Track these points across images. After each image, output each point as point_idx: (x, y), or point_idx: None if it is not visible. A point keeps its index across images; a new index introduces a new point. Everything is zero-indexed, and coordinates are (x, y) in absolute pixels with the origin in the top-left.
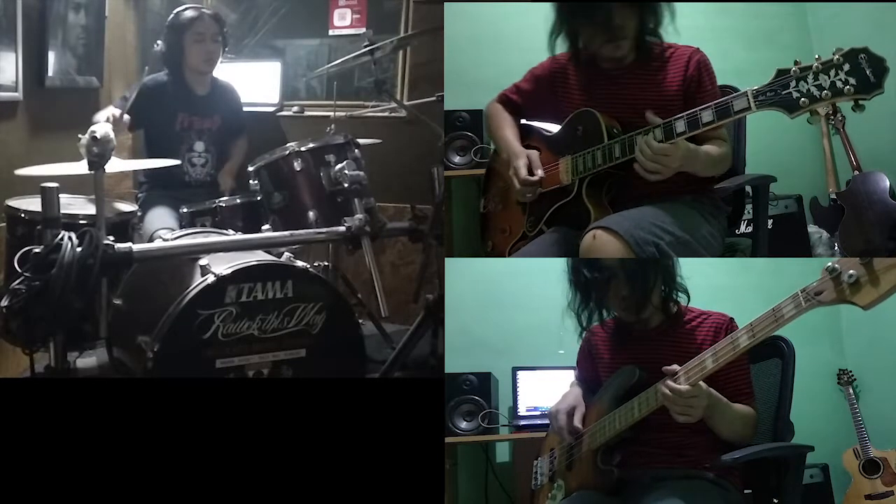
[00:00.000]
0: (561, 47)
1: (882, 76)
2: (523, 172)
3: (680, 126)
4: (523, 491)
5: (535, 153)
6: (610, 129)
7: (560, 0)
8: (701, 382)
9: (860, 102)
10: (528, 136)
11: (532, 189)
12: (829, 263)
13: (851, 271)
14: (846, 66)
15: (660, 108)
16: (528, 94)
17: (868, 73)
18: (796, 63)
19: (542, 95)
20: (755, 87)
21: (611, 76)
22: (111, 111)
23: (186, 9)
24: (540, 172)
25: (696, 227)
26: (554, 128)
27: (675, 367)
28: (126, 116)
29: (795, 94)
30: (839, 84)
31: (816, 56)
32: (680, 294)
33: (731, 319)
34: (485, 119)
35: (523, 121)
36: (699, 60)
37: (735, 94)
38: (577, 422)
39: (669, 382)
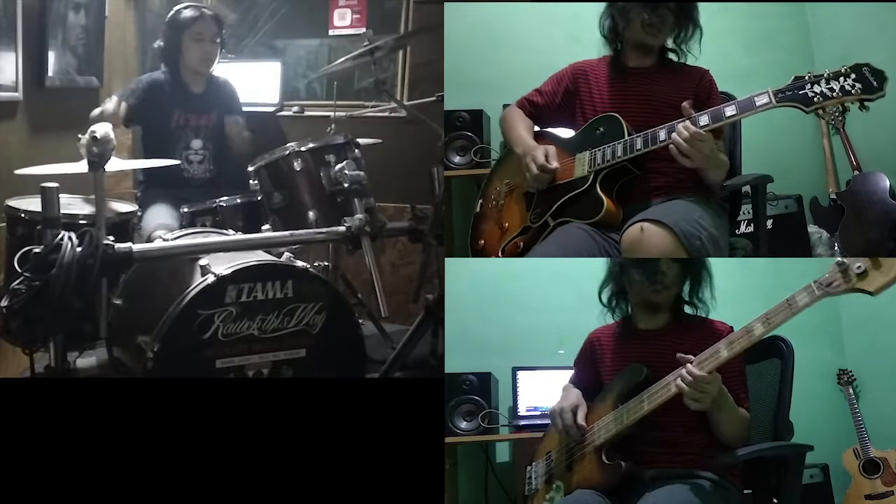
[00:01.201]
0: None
1: (883, 83)
2: (541, 159)
3: (703, 120)
4: (523, 491)
5: (552, 147)
6: (630, 132)
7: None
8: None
9: (865, 103)
10: (541, 139)
11: (545, 178)
12: (838, 259)
13: (859, 263)
14: (853, 75)
15: (675, 112)
16: (549, 95)
17: (871, 79)
18: (809, 72)
19: (563, 98)
20: (775, 88)
21: (634, 75)
22: (108, 105)
23: (187, 7)
24: (555, 163)
25: (717, 224)
26: (567, 133)
27: (689, 356)
28: (123, 105)
29: (811, 94)
30: (848, 87)
31: (826, 69)
32: (697, 305)
33: (732, 328)
34: (500, 123)
35: (536, 128)
36: (710, 79)
37: (756, 92)
38: (580, 419)
39: (690, 367)
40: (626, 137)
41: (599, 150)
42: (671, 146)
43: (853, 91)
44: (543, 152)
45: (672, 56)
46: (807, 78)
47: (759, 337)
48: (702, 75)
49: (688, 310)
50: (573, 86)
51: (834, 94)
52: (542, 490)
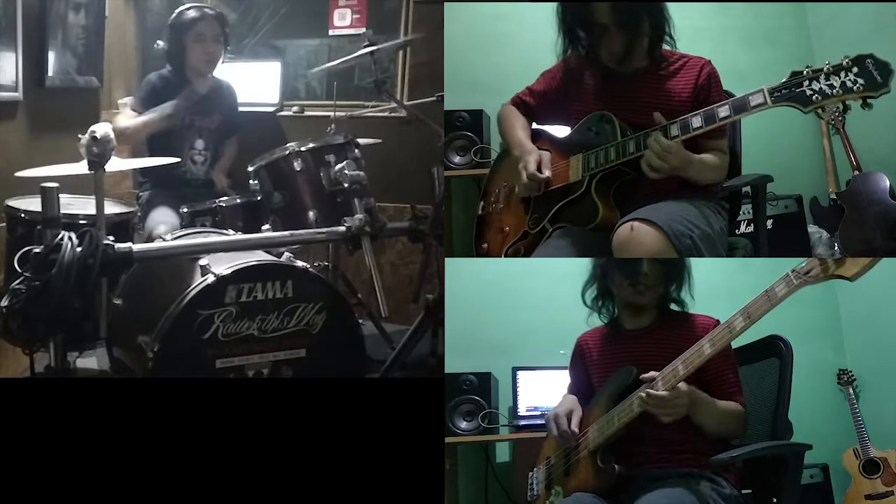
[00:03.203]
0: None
1: (888, 77)
2: (532, 167)
3: (696, 122)
4: (523, 490)
5: (546, 153)
6: (624, 131)
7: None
8: (681, 385)
9: (868, 101)
10: (538, 139)
11: (537, 185)
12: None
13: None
14: (854, 69)
15: (670, 113)
16: (540, 95)
17: (875, 74)
18: (808, 67)
19: (555, 97)
20: (770, 85)
21: (623, 79)
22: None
23: (189, 8)
24: (548, 172)
25: (712, 223)
26: (563, 131)
27: (653, 373)
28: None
29: (808, 92)
30: (849, 84)
31: (826, 62)
32: (681, 302)
33: (717, 322)
34: (497, 121)
35: (534, 125)
36: (710, 72)
37: (751, 91)
38: (574, 425)
39: (648, 390)
40: (619, 139)
41: (592, 153)
42: (641, 161)
43: (855, 88)
44: (536, 159)
45: (665, 46)
46: (805, 73)
47: (741, 331)
48: (700, 68)
49: (673, 307)
50: (564, 85)
51: (834, 91)
52: (543, 495)
